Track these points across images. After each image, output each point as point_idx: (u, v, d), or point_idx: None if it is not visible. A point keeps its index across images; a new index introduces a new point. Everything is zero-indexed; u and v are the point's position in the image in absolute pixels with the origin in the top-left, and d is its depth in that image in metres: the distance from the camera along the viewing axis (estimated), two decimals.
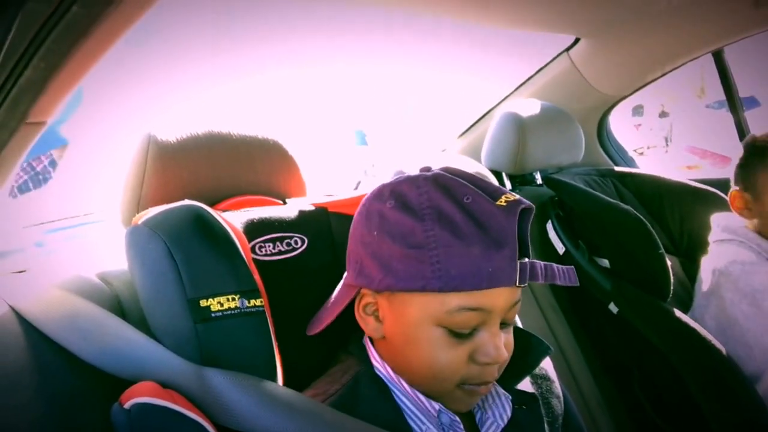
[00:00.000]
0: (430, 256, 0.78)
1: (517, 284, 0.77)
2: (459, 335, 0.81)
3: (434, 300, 0.80)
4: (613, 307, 1.69)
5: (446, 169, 0.86)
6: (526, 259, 0.79)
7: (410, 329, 0.83)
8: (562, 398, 1.04)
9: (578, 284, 0.80)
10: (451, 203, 0.80)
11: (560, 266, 0.80)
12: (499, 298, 0.80)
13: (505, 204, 0.79)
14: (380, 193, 0.87)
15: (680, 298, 1.76)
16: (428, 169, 0.87)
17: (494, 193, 0.81)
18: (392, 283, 0.82)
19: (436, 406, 0.85)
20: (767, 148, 1.61)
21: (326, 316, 0.91)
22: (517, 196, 0.81)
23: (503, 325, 0.84)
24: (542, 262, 0.79)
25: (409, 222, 0.80)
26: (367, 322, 0.88)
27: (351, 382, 0.86)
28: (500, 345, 0.81)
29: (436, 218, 0.79)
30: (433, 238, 0.78)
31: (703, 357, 1.49)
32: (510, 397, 0.93)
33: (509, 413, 0.91)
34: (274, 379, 0.86)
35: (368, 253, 0.85)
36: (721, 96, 2.28)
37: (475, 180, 0.83)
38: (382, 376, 0.88)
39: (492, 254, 0.76)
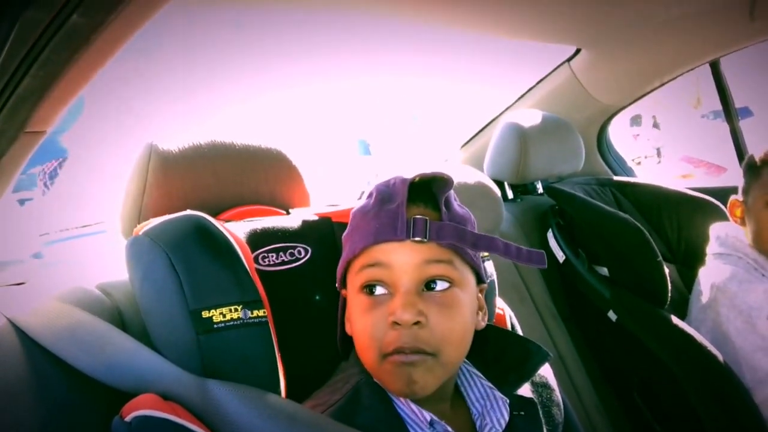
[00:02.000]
0: (348, 235, 0.89)
1: (410, 237, 0.82)
2: (374, 294, 0.84)
3: (352, 270, 0.87)
4: (612, 315, 1.69)
5: None
6: (426, 218, 0.83)
7: (350, 305, 0.89)
8: (562, 406, 1.03)
9: (499, 252, 0.84)
10: (377, 187, 0.88)
11: (488, 236, 0.84)
12: (394, 253, 0.83)
13: (415, 178, 0.86)
14: None
15: (678, 306, 1.77)
16: None
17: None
18: (338, 272, 0.92)
19: (427, 415, 0.84)
20: (758, 167, 1.65)
21: (338, 329, 0.95)
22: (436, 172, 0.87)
23: (430, 293, 0.84)
24: (459, 226, 0.84)
25: (351, 215, 0.91)
26: (347, 323, 0.92)
27: (351, 391, 0.85)
28: (410, 305, 0.80)
29: (359, 205, 0.90)
30: (351, 220, 0.90)
31: (701, 364, 1.49)
32: (507, 401, 0.92)
33: (506, 417, 0.90)
34: (276, 389, 0.86)
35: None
36: (717, 106, 2.29)
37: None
38: (381, 385, 0.87)
39: (382, 213, 0.84)
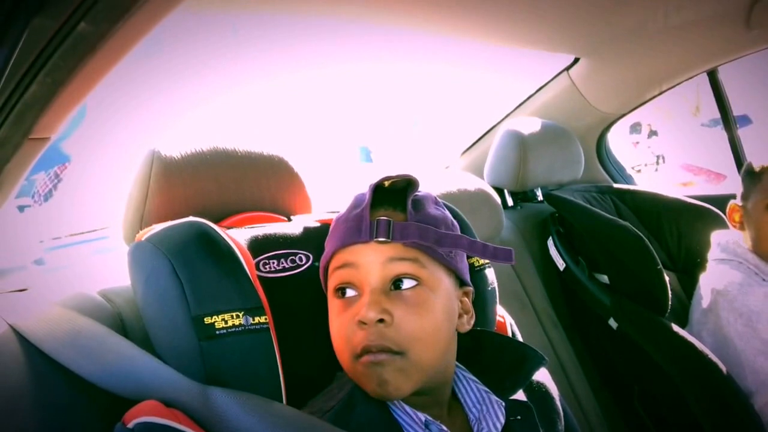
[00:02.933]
0: (327, 241, 0.93)
1: (372, 238, 0.85)
2: (344, 296, 0.87)
3: (328, 275, 0.91)
4: (612, 323, 1.69)
5: None
6: (389, 219, 0.85)
7: (329, 312, 0.91)
8: (562, 414, 1.03)
9: (464, 250, 0.89)
10: (355, 195, 0.92)
11: (453, 234, 0.88)
12: (360, 253, 0.86)
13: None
14: None
15: (678, 314, 1.77)
16: None
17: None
18: (322, 279, 0.95)
19: (422, 416, 0.84)
20: (758, 172, 1.66)
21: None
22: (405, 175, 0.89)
23: (397, 286, 0.86)
24: (423, 225, 0.86)
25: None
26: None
27: (346, 397, 0.85)
28: (373, 303, 0.82)
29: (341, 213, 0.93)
30: (332, 226, 0.93)
31: (702, 372, 1.50)
32: (503, 404, 0.92)
33: (502, 421, 0.91)
34: (277, 396, 0.86)
35: None
36: (717, 114, 2.30)
37: None
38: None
39: (348, 218, 0.89)
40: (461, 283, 0.94)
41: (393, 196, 0.89)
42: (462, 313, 0.93)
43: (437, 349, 0.87)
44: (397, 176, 0.88)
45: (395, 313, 0.82)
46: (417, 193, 0.92)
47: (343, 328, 0.85)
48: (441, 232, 0.86)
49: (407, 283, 0.85)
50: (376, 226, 0.85)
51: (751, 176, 1.69)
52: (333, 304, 0.89)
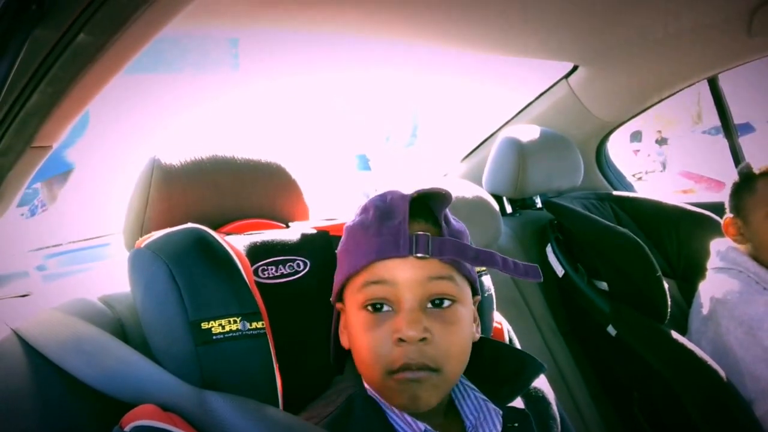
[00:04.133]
0: (347, 250, 0.89)
1: (412, 254, 0.82)
2: (377, 311, 0.85)
3: (353, 286, 0.87)
4: (611, 330, 1.69)
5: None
6: (428, 234, 0.84)
7: (350, 321, 0.89)
8: (559, 420, 1.03)
9: (498, 267, 0.85)
10: (372, 204, 0.88)
11: (485, 250, 0.85)
12: (397, 269, 0.83)
13: (414, 193, 0.86)
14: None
15: (678, 321, 1.77)
16: None
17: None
18: (335, 287, 0.92)
19: (422, 426, 0.85)
20: (754, 176, 1.66)
21: (332, 343, 0.96)
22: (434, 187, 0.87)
23: (435, 309, 0.85)
24: (458, 241, 0.84)
25: (344, 233, 0.92)
26: (342, 336, 0.93)
27: (344, 403, 0.86)
28: (415, 321, 0.81)
29: (356, 220, 0.90)
30: (350, 234, 0.90)
31: (702, 379, 1.49)
32: (500, 412, 0.92)
33: (499, 428, 0.91)
34: (274, 401, 0.87)
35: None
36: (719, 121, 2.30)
37: (415, 187, 0.89)
38: (374, 397, 0.88)
39: (383, 229, 0.84)
40: (473, 292, 0.94)
41: (422, 208, 0.87)
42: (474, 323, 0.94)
43: (465, 362, 0.88)
44: (430, 188, 0.86)
45: (434, 331, 0.83)
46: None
47: (376, 344, 0.83)
48: (478, 249, 0.84)
49: (445, 303, 0.86)
50: (416, 241, 0.83)
51: (743, 187, 1.69)
52: (360, 317, 0.86)
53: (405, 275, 0.83)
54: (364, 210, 0.90)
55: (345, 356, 0.95)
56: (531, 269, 0.85)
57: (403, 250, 0.82)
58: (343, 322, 0.93)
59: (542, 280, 0.86)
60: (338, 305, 0.94)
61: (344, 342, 0.92)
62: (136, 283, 0.91)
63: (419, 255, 0.82)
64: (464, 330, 0.87)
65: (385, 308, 0.85)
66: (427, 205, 0.88)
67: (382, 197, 0.88)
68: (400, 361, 0.82)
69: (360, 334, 0.86)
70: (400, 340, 0.81)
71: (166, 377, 0.82)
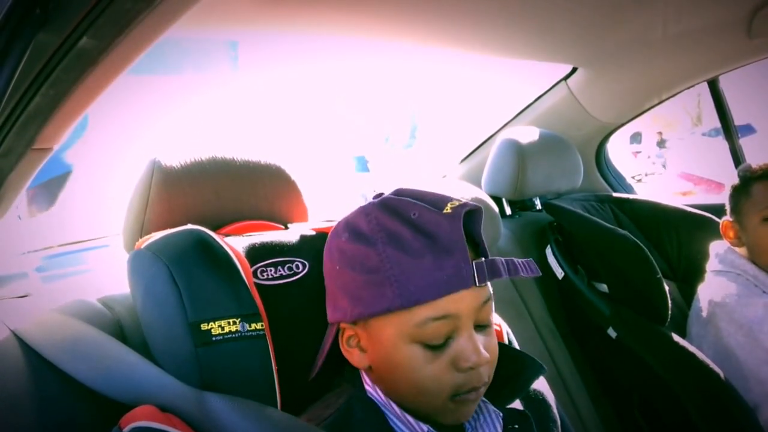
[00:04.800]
0: (387, 277, 0.80)
1: (477, 284, 0.79)
2: (435, 347, 0.82)
3: (403, 318, 0.81)
4: (611, 332, 1.69)
5: (397, 191, 0.89)
6: (483, 259, 0.81)
7: (390, 352, 0.84)
8: (559, 422, 1.03)
9: (540, 274, 0.83)
10: (399, 222, 0.82)
11: (522, 260, 0.82)
12: (462, 301, 0.80)
13: (450, 211, 0.81)
14: (337, 230, 0.91)
15: (678, 323, 1.77)
16: (380, 195, 0.90)
17: (440, 203, 0.83)
18: (362, 311, 0.84)
19: (425, 428, 0.85)
20: (750, 179, 1.66)
21: (319, 358, 0.94)
22: (463, 200, 0.84)
23: (479, 327, 0.85)
24: (503, 258, 0.81)
25: (363, 249, 0.83)
26: (352, 355, 0.89)
27: (344, 405, 0.86)
28: (478, 347, 0.81)
29: (386, 240, 0.82)
30: (387, 259, 0.81)
31: (702, 381, 1.49)
32: (501, 414, 0.93)
33: (500, 430, 0.91)
34: (273, 402, 0.87)
35: (337, 288, 0.88)
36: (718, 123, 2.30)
37: (423, 195, 0.86)
38: (374, 399, 0.88)
39: (443, 261, 0.79)
40: None
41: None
42: None
43: None
44: (465, 203, 0.83)
45: (487, 348, 0.84)
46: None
47: (439, 375, 0.82)
48: (509, 261, 0.81)
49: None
50: (477, 271, 0.79)
51: (739, 191, 1.70)
52: (414, 351, 0.82)
53: (467, 306, 0.81)
54: (386, 230, 0.83)
55: (332, 369, 0.94)
56: (533, 265, 0.84)
57: (469, 282, 0.79)
58: (354, 342, 0.89)
59: (540, 273, 0.84)
60: (344, 325, 0.89)
61: (355, 360, 0.89)
62: (135, 284, 0.92)
63: (481, 285, 0.80)
64: (496, 338, 0.89)
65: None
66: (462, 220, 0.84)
67: (407, 212, 0.83)
68: (467, 385, 0.82)
69: (414, 368, 0.82)
70: (470, 368, 0.81)
71: (165, 378, 0.82)
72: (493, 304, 0.87)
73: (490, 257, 0.82)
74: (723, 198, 1.78)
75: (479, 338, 0.83)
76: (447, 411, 0.84)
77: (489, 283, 0.85)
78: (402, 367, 0.83)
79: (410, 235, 0.81)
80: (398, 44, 1.64)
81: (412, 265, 0.80)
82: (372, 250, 0.82)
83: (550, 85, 2.21)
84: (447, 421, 0.85)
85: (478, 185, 2.04)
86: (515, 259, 0.82)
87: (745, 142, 2.25)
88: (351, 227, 0.87)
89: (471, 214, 0.85)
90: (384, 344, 0.84)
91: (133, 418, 0.75)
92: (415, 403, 0.86)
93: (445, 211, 0.81)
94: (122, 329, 0.98)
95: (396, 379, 0.85)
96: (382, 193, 0.91)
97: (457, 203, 0.83)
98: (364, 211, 0.87)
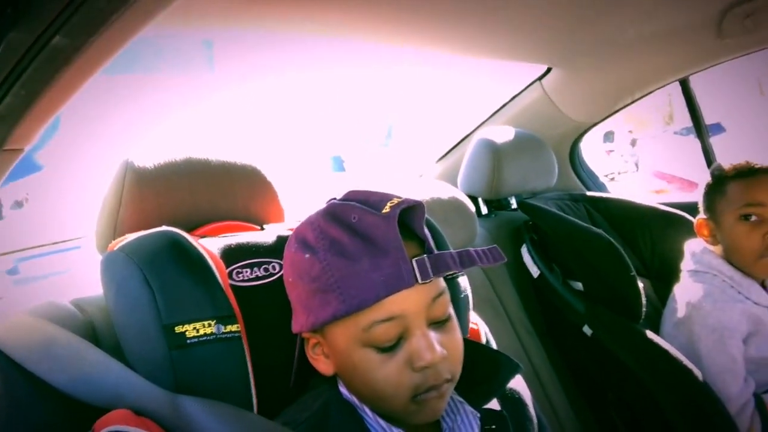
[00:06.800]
0: (330, 284, 0.80)
1: (419, 281, 0.78)
2: (387, 349, 0.81)
3: (350, 323, 0.81)
4: (587, 329, 1.70)
5: (346, 194, 0.88)
6: (425, 255, 0.80)
7: (345, 358, 0.84)
8: (535, 421, 1.03)
9: (505, 260, 0.83)
10: (339, 228, 0.81)
11: (481, 249, 0.82)
12: (406, 301, 0.79)
13: (388, 210, 0.80)
14: (289, 241, 0.90)
15: (652, 320, 1.78)
16: (333, 200, 0.90)
17: (379, 204, 0.82)
18: (314, 321, 0.83)
19: (397, 431, 0.85)
20: (724, 178, 1.67)
21: (294, 367, 0.94)
22: (402, 198, 0.83)
23: (436, 324, 0.84)
24: (454, 251, 0.81)
25: (308, 258, 0.83)
26: (318, 362, 0.89)
27: (320, 407, 0.86)
28: (432, 344, 0.80)
29: (328, 247, 0.81)
30: (328, 266, 0.80)
31: (676, 378, 1.50)
32: (478, 415, 0.93)
33: (477, 431, 0.91)
34: (249, 405, 0.86)
35: (293, 299, 0.88)
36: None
37: (368, 196, 0.85)
38: (350, 401, 0.88)
39: (380, 262, 0.78)
40: None
41: (401, 224, 0.81)
42: None
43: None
44: (406, 201, 0.82)
45: (444, 344, 0.83)
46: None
47: (394, 377, 0.81)
48: (459, 253, 0.81)
49: (445, 315, 0.85)
50: (418, 268, 0.78)
51: (714, 188, 1.70)
52: (367, 355, 0.81)
53: (413, 304, 0.80)
54: (328, 237, 0.82)
55: (308, 377, 0.93)
56: (495, 252, 0.83)
57: (409, 280, 0.78)
58: (319, 350, 0.89)
59: (506, 260, 0.84)
60: (306, 334, 0.89)
61: (322, 368, 0.89)
62: (108, 286, 0.91)
63: (425, 281, 0.79)
64: (459, 332, 0.88)
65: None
66: (403, 217, 0.84)
67: (347, 217, 0.83)
68: (425, 385, 0.81)
69: (369, 371, 0.82)
70: (425, 367, 0.80)
71: (140, 381, 0.81)
72: (448, 297, 0.86)
73: (448, 252, 0.81)
74: (696, 196, 1.79)
75: (435, 335, 0.82)
76: (410, 412, 0.83)
77: (441, 278, 0.85)
78: (358, 371, 0.83)
79: (348, 239, 0.80)
80: (373, 44, 1.64)
81: (351, 270, 0.79)
82: (315, 258, 0.82)
83: (525, 85, 2.22)
84: (415, 422, 0.84)
85: (455, 184, 2.05)
86: (472, 249, 0.81)
87: (716, 141, 2.28)
88: (299, 238, 0.86)
89: (412, 210, 0.84)
90: (340, 350, 0.84)
91: (107, 422, 0.74)
92: (378, 407, 0.85)
93: (383, 211, 0.80)
94: (95, 331, 0.97)
95: (356, 384, 0.85)
96: (335, 198, 0.90)
97: (395, 201, 0.82)
98: (309, 221, 0.87)
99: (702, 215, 1.73)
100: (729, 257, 1.66)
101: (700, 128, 2.25)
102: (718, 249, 1.70)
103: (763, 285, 1.65)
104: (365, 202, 0.84)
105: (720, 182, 1.68)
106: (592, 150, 2.67)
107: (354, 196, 0.86)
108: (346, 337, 0.82)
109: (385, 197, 0.83)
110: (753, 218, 1.59)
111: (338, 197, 0.89)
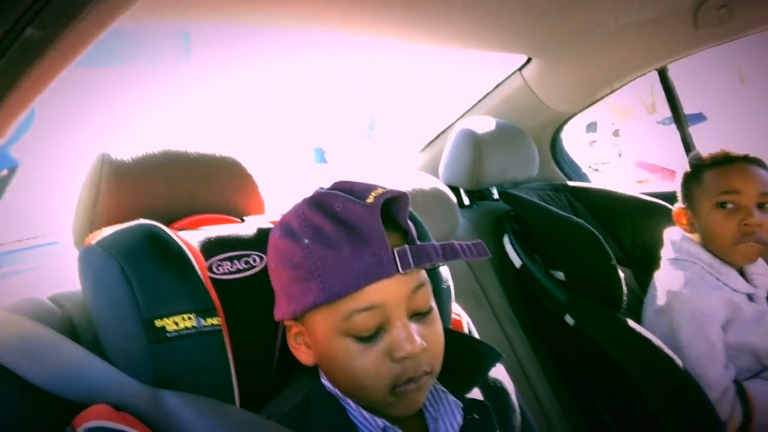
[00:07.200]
0: (311, 272, 0.80)
1: (400, 271, 0.78)
2: (366, 339, 0.81)
3: (331, 312, 0.81)
4: (569, 319, 1.71)
5: (333, 185, 0.88)
6: (406, 246, 0.80)
7: (326, 347, 0.84)
8: (518, 410, 1.03)
9: (489, 256, 0.83)
10: (323, 216, 0.82)
11: (466, 243, 0.82)
12: (386, 291, 0.80)
13: (372, 200, 0.80)
14: (274, 228, 0.90)
15: (634, 309, 1.79)
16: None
17: (364, 194, 0.82)
18: (294, 308, 0.84)
19: (380, 422, 0.85)
20: (701, 167, 1.68)
21: (276, 356, 0.93)
22: (386, 189, 0.83)
23: (417, 315, 0.84)
24: (438, 243, 0.81)
25: (291, 245, 0.83)
26: (299, 352, 0.89)
27: (303, 400, 0.85)
28: (412, 336, 0.80)
29: (311, 235, 0.81)
30: (310, 254, 0.80)
31: (658, 366, 1.52)
32: (460, 405, 0.93)
33: (460, 420, 0.91)
34: (231, 399, 0.86)
35: (275, 285, 0.89)
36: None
37: (353, 186, 0.85)
38: (333, 393, 0.88)
39: (362, 251, 0.78)
40: None
41: (384, 215, 0.81)
42: None
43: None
44: (390, 192, 0.83)
45: (424, 336, 0.82)
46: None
47: (373, 367, 0.81)
48: (443, 245, 0.81)
49: (426, 307, 0.85)
50: (399, 258, 0.78)
51: (691, 177, 1.72)
52: (346, 344, 0.82)
53: (393, 294, 0.80)
54: (311, 225, 0.83)
55: (291, 368, 0.93)
56: (480, 247, 0.84)
57: (390, 270, 0.78)
58: (300, 339, 0.89)
59: (490, 256, 0.84)
60: (288, 322, 0.89)
61: (302, 358, 0.89)
62: (86, 281, 0.90)
63: (406, 271, 0.79)
64: (441, 324, 0.88)
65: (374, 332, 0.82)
66: (388, 208, 0.84)
67: (331, 206, 0.83)
68: (403, 376, 0.81)
69: (348, 361, 0.82)
70: (403, 358, 0.80)
71: (119, 376, 0.81)
72: (430, 289, 0.86)
73: (431, 243, 0.82)
74: (675, 186, 1.80)
75: (415, 327, 0.82)
76: (389, 404, 0.83)
77: (423, 270, 0.85)
78: (338, 360, 0.83)
79: (331, 227, 0.80)
80: (353, 35, 1.63)
81: (332, 258, 0.79)
82: (297, 245, 0.82)
83: (506, 76, 2.23)
84: (394, 414, 0.84)
85: (437, 175, 2.05)
86: (456, 243, 0.82)
87: (695, 130, 2.29)
88: (283, 225, 0.87)
89: (397, 201, 0.85)
90: (320, 339, 0.84)
91: (86, 418, 0.74)
92: (358, 397, 0.85)
93: (367, 200, 0.80)
94: (73, 327, 0.96)
95: (336, 374, 0.85)
96: (322, 188, 0.90)
97: (380, 192, 0.82)
98: (294, 209, 0.87)
99: (680, 204, 1.75)
100: (706, 245, 1.68)
101: (678, 117, 2.27)
102: (696, 237, 1.71)
103: (740, 272, 1.67)
104: (350, 191, 0.84)
105: (697, 171, 1.70)
106: (575, 141, 2.68)
107: (339, 186, 0.86)
108: (327, 326, 0.82)
109: (370, 187, 0.83)
110: (729, 206, 1.62)
111: (325, 187, 0.89)
